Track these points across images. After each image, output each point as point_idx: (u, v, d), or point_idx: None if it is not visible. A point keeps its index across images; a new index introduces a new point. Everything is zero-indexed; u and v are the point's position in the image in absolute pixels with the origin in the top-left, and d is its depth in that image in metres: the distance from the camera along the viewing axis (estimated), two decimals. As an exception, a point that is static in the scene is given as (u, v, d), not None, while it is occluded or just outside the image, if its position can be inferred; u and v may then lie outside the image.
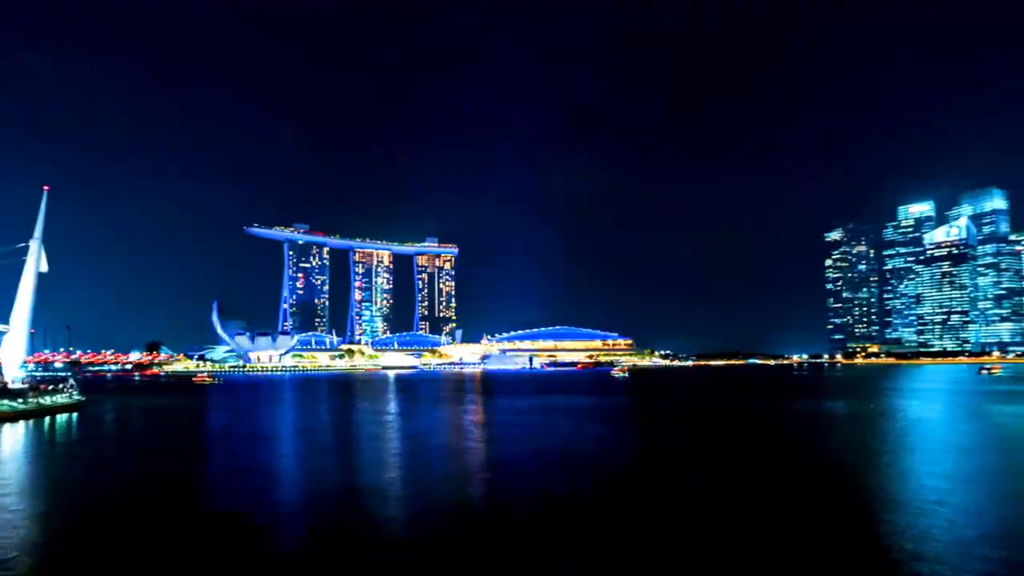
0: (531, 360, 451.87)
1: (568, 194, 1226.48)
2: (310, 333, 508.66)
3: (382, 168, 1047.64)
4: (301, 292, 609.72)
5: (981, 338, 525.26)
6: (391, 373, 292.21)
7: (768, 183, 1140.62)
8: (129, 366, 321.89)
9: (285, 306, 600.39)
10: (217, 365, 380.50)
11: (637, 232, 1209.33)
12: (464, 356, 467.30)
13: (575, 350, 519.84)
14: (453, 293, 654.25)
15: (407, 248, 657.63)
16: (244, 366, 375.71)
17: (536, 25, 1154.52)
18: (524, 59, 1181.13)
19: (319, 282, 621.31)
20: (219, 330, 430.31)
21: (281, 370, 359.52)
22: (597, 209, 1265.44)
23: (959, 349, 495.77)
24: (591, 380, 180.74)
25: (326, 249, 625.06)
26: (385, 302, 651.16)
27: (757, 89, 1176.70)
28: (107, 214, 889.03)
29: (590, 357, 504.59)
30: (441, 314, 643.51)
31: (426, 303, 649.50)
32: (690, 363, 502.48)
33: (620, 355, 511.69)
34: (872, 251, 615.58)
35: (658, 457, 36.12)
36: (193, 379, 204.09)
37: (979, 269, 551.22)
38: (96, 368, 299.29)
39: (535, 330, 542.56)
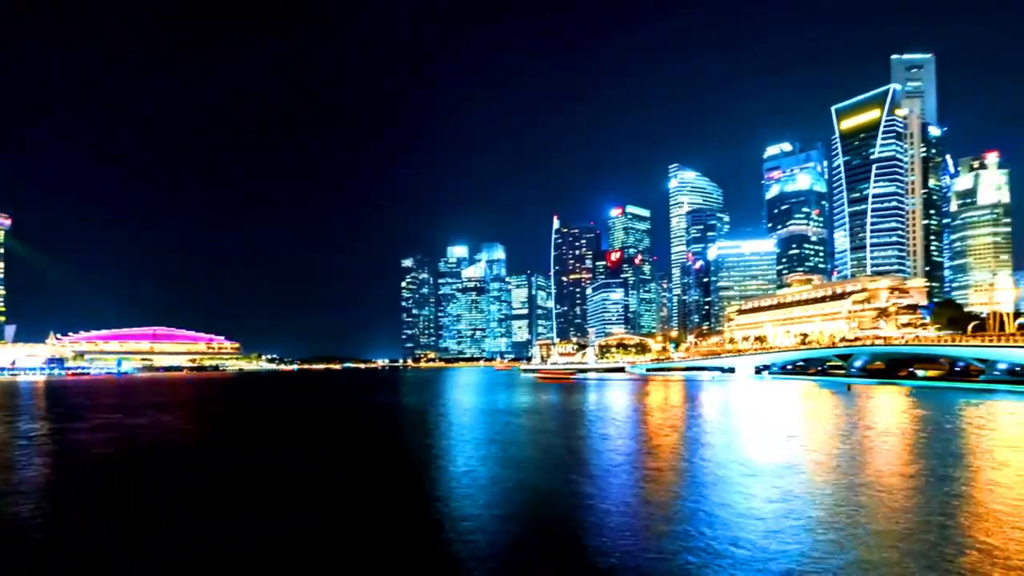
0: (119, 363, 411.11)
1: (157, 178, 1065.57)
2: None
3: None
4: None
5: (491, 348, 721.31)
6: None
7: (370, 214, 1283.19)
8: None
9: None
10: None
11: (243, 233, 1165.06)
12: (19, 359, 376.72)
13: (176, 352, 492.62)
14: (1, 277, 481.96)
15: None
16: None
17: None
18: None
19: None
20: None
21: None
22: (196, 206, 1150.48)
23: (480, 356, 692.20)
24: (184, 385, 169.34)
25: None
26: None
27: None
28: None
29: (193, 360, 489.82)
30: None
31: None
32: (295, 367, 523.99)
33: (227, 358, 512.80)
34: (432, 278, 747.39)
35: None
36: None
37: (491, 299, 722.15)
38: None
39: (126, 330, 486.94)
